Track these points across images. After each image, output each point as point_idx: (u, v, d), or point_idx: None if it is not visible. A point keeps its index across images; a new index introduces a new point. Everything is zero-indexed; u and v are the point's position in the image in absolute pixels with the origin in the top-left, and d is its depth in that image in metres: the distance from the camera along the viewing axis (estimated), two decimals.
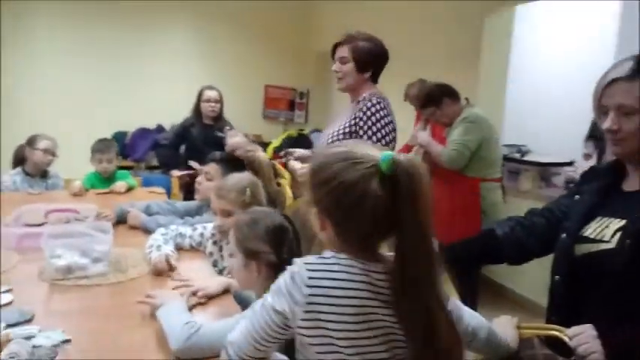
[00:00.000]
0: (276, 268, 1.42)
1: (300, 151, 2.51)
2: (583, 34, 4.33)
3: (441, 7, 4.46)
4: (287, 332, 0.98)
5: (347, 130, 2.22)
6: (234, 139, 3.30)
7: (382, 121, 2.16)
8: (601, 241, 1.23)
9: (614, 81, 1.21)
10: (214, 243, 2.08)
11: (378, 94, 2.25)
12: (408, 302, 0.92)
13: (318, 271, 0.94)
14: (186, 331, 1.28)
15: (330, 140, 2.24)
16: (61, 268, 1.74)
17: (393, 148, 2.08)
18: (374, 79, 2.30)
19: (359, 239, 0.96)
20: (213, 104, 3.83)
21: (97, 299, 1.63)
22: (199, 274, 1.83)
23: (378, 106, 2.18)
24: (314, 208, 0.99)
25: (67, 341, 1.29)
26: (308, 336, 0.95)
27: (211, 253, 2.08)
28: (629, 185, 1.29)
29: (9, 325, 1.35)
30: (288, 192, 2.98)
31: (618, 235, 1.20)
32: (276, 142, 6.37)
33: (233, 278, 1.64)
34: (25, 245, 2.03)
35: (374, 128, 2.16)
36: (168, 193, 3.50)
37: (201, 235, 2.12)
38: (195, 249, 2.10)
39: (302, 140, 6.47)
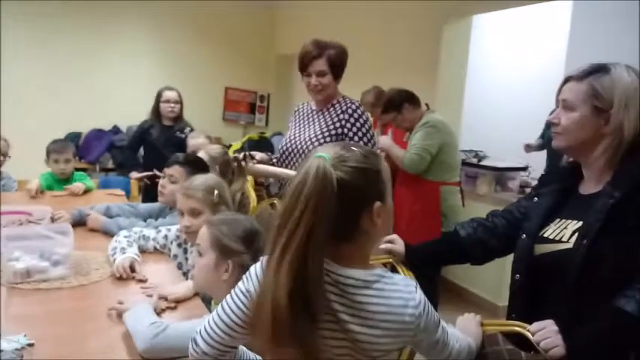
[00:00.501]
0: (245, 271, 1.45)
1: (259, 155, 2.57)
2: (536, 42, 4.52)
3: (400, 15, 4.56)
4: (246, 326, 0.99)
5: (332, 132, 2.29)
6: (196, 141, 3.28)
7: (366, 126, 2.30)
8: (559, 241, 1.30)
9: (568, 79, 1.34)
10: (179, 245, 2.06)
11: (348, 97, 2.37)
12: None
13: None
14: (152, 330, 1.26)
15: (316, 141, 2.28)
16: (20, 272, 1.68)
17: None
18: (338, 81, 2.37)
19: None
20: (172, 105, 3.79)
21: (58, 303, 1.58)
22: (165, 277, 1.81)
23: (360, 110, 2.31)
24: None
25: (30, 345, 1.25)
26: None
27: (176, 256, 2.05)
28: (585, 188, 1.36)
29: None
30: (252, 195, 2.97)
31: (575, 236, 1.27)
32: (236, 145, 6.33)
33: (194, 279, 1.60)
34: None
35: (360, 133, 2.28)
36: (128, 195, 3.42)
37: (165, 237, 2.09)
38: (160, 251, 2.07)
39: (263, 143, 6.45)
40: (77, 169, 3.46)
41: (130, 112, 5.04)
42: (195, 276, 1.52)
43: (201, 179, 1.93)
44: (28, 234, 1.88)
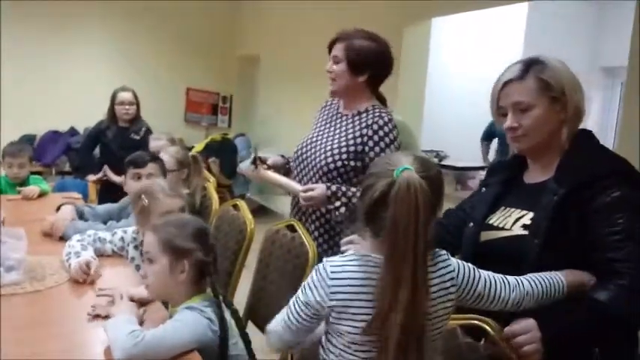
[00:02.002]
0: (203, 268, 1.45)
1: (273, 159, 2.24)
2: (493, 44, 4.65)
3: (361, 17, 4.60)
4: (319, 320, 1.17)
5: (352, 149, 1.95)
6: (157, 143, 3.23)
7: (393, 146, 1.94)
8: (503, 228, 1.36)
9: (507, 83, 1.35)
10: (135, 248, 2.02)
11: (383, 110, 2.01)
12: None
13: (338, 266, 1.12)
14: (130, 340, 1.24)
15: (331, 156, 1.97)
16: None
17: None
18: (373, 86, 2.04)
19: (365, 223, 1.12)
20: (127, 107, 3.73)
21: (12, 310, 1.52)
22: (124, 280, 1.77)
23: (388, 127, 1.95)
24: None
25: None
26: (337, 323, 1.12)
27: (133, 258, 2.02)
28: (530, 177, 1.42)
29: None
30: (214, 196, 2.94)
31: (518, 224, 1.33)
32: (199, 147, 6.25)
33: (148, 289, 1.54)
34: None
35: (388, 151, 1.91)
36: (85, 198, 3.33)
37: (122, 239, 2.05)
38: (118, 254, 2.03)
39: (226, 145, 6.40)
40: (33, 173, 3.35)
41: (87, 114, 4.91)
42: (151, 284, 1.48)
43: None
44: None
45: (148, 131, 3.76)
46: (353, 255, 1.15)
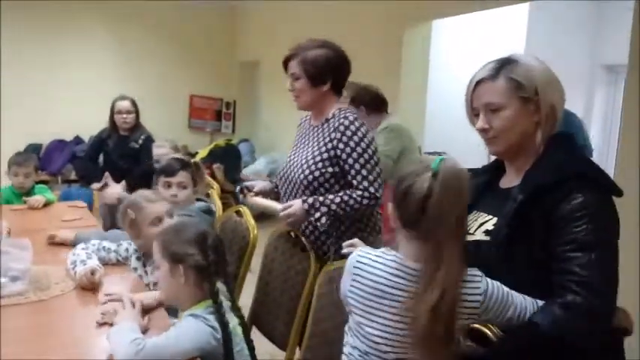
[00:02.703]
0: (202, 272, 1.46)
1: (259, 185, 2.25)
2: (495, 45, 4.64)
3: (362, 20, 4.62)
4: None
5: (325, 156, 1.93)
6: (160, 150, 3.25)
7: (363, 143, 1.90)
8: (467, 233, 1.32)
9: (479, 83, 1.31)
10: (138, 259, 2.04)
11: (347, 110, 2.00)
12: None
13: (364, 257, 1.20)
14: (132, 348, 1.25)
15: (307, 169, 1.95)
16: None
17: (379, 173, 1.93)
18: (336, 90, 2.02)
19: (409, 224, 1.15)
20: (124, 115, 3.76)
21: (18, 319, 1.54)
22: (128, 287, 1.78)
23: (355, 126, 1.91)
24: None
25: None
26: (354, 312, 1.20)
27: (135, 269, 2.03)
28: (504, 182, 1.39)
29: None
30: (218, 203, 2.96)
31: (481, 229, 1.31)
32: (203, 153, 6.28)
33: (160, 293, 1.61)
34: None
35: (357, 151, 1.89)
36: (90, 207, 3.36)
37: (127, 250, 2.07)
38: (122, 263, 2.04)
39: (230, 150, 6.42)
40: (39, 182, 3.38)
41: (92, 122, 4.94)
42: (161, 289, 1.55)
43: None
44: None
45: (148, 139, 3.78)
46: (383, 250, 1.20)
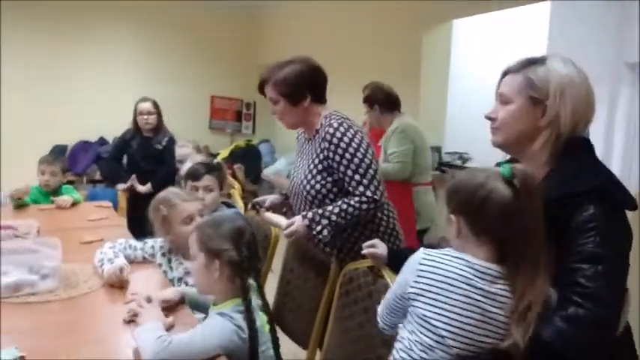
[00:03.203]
0: (236, 268, 1.49)
1: (270, 199, 2.27)
2: (516, 44, 4.60)
3: (382, 21, 4.62)
4: (405, 303, 1.22)
5: (319, 167, 1.94)
6: (183, 150, 3.31)
7: (351, 148, 1.87)
8: None
9: (505, 73, 1.32)
10: (163, 255, 2.08)
11: (333, 116, 1.96)
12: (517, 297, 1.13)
13: (431, 255, 1.19)
14: (158, 345, 1.29)
15: (307, 183, 1.98)
16: (9, 286, 1.68)
17: (373, 173, 1.89)
18: (319, 100, 2.00)
19: (486, 232, 1.16)
20: (146, 116, 3.84)
21: (48, 316, 1.59)
22: (154, 284, 1.82)
23: (340, 131, 1.88)
24: (450, 220, 1.21)
25: (22, 358, 1.27)
26: (418, 306, 1.18)
27: (160, 265, 2.07)
28: None
29: None
30: (240, 202, 3.00)
31: None
32: (224, 153, 6.35)
33: (195, 284, 1.63)
34: None
35: (346, 157, 1.87)
36: (115, 206, 3.43)
37: (152, 247, 2.12)
38: (148, 261, 2.09)
39: (250, 151, 6.48)
40: (66, 183, 3.46)
41: (115, 124, 5.05)
42: (195, 281, 1.58)
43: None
44: (16, 248, 1.89)
45: (171, 140, 3.85)
46: (448, 250, 1.21)
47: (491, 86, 1.41)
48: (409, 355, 1.20)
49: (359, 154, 1.88)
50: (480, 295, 1.13)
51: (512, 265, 1.15)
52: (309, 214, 1.88)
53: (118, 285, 1.80)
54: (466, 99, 4.76)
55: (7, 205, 3.10)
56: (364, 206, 1.87)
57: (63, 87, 6.27)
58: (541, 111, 1.24)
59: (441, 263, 1.17)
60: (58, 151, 5.90)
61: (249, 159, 6.35)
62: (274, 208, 2.23)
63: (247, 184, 5.82)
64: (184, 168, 2.71)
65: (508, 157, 1.46)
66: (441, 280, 1.16)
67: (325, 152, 1.91)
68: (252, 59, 7.36)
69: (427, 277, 1.17)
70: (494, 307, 1.14)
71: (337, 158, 1.88)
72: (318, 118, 1.99)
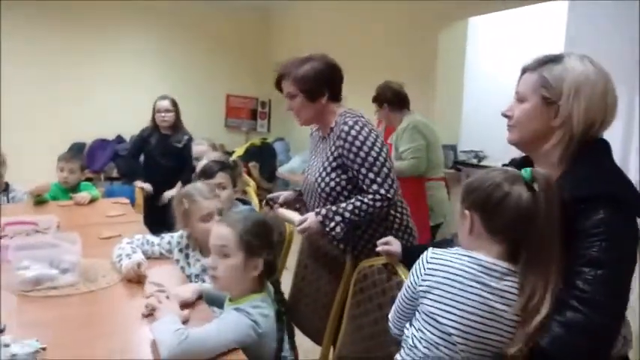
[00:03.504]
0: (270, 266, 1.54)
1: (284, 195, 2.28)
2: (533, 42, 4.56)
3: (397, 19, 4.61)
4: (414, 303, 1.25)
5: (334, 164, 1.95)
6: (199, 148, 3.34)
7: (365, 146, 1.88)
8: None
9: (524, 71, 1.31)
10: (180, 251, 2.11)
11: (348, 114, 1.98)
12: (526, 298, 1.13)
13: (439, 253, 1.22)
14: (176, 338, 1.30)
15: (322, 180, 1.98)
16: (30, 280, 1.72)
17: (387, 171, 1.90)
18: (335, 99, 2.02)
19: (501, 232, 1.17)
20: (163, 114, 3.89)
21: (68, 309, 1.63)
22: (171, 280, 1.85)
23: (355, 129, 1.90)
24: (464, 215, 1.23)
25: (43, 349, 1.30)
26: (425, 303, 1.21)
27: (177, 260, 2.10)
28: None
29: None
30: (255, 200, 3.02)
31: None
32: (239, 151, 6.38)
33: (216, 280, 1.58)
34: None
35: (361, 155, 1.88)
36: (132, 203, 3.47)
37: (169, 243, 2.14)
38: (165, 257, 2.12)
39: (265, 149, 6.51)
40: (85, 180, 3.51)
41: (132, 122, 5.11)
42: (221, 277, 1.52)
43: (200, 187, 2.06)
44: (36, 243, 1.94)
45: (191, 140, 3.89)
46: (456, 249, 1.23)
47: (507, 84, 1.41)
48: (413, 352, 1.21)
49: (373, 153, 1.89)
50: (487, 291, 1.14)
51: (523, 266, 1.15)
52: (323, 211, 1.89)
53: (136, 280, 1.83)
54: (481, 97, 4.74)
55: (27, 202, 3.17)
56: (377, 204, 1.88)
57: (81, 86, 6.37)
58: (554, 111, 1.22)
59: (449, 261, 1.19)
60: (76, 149, 5.99)
61: (265, 157, 6.38)
62: (288, 204, 2.23)
63: (262, 182, 5.85)
64: (200, 165, 2.73)
65: (522, 155, 1.45)
66: (448, 277, 1.17)
67: (340, 150, 1.92)
68: (267, 58, 7.39)
69: (434, 275, 1.19)
70: (502, 303, 1.14)
71: (351, 156, 1.90)
72: (333, 116, 2.01)
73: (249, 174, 5.35)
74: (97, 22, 6.40)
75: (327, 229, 1.88)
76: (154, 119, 3.93)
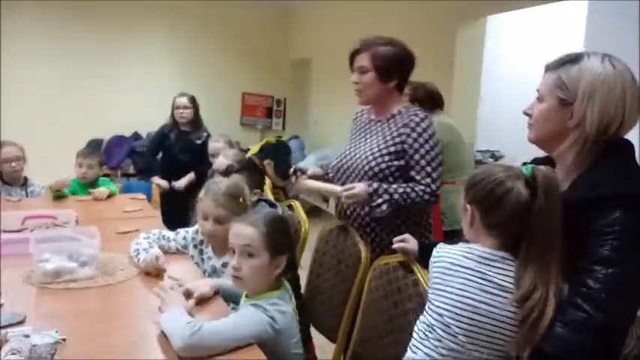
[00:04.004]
0: (292, 265, 1.57)
1: (312, 169, 2.28)
2: (552, 41, 4.51)
3: (415, 17, 4.59)
4: None
5: (392, 149, 1.97)
6: (216, 145, 3.36)
7: (432, 141, 1.95)
8: None
9: (545, 69, 1.30)
10: (194, 247, 2.12)
11: (417, 108, 2.04)
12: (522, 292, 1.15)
13: (441, 249, 1.31)
14: (188, 329, 1.30)
15: (373, 160, 1.99)
16: (50, 272, 1.75)
17: (441, 172, 1.96)
18: (401, 89, 2.06)
19: (497, 227, 1.21)
20: (181, 110, 3.93)
21: (87, 301, 1.65)
22: (187, 275, 1.87)
23: (425, 123, 1.96)
24: (466, 208, 1.27)
25: (63, 340, 1.32)
26: (429, 292, 1.29)
27: (192, 257, 2.11)
28: None
29: (0, 327, 1.37)
30: (270, 197, 3.03)
31: None
32: (254, 149, 6.41)
33: (239, 280, 1.55)
34: (6, 251, 2.03)
35: (423, 150, 1.94)
36: (149, 199, 3.51)
37: (184, 238, 2.16)
38: (181, 252, 2.13)
39: (280, 147, 6.52)
40: (103, 176, 3.55)
41: (149, 119, 5.17)
42: (246, 277, 1.50)
43: (227, 185, 1.97)
44: (56, 236, 1.97)
45: (209, 136, 3.93)
46: (460, 243, 1.28)
47: (524, 83, 1.39)
48: (417, 335, 1.29)
49: (435, 150, 1.96)
50: (479, 277, 1.19)
51: (522, 260, 1.18)
52: (374, 185, 1.91)
53: (154, 273, 1.85)
54: (499, 96, 4.70)
55: (46, 196, 3.22)
56: (426, 197, 1.92)
57: (99, 84, 6.46)
58: (570, 112, 1.21)
59: (446, 252, 1.27)
60: (94, 145, 6.07)
61: (279, 155, 6.39)
62: (315, 178, 2.24)
63: (277, 180, 5.86)
64: (217, 162, 2.75)
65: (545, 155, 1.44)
66: (443, 266, 1.25)
67: (404, 137, 1.96)
68: (283, 56, 7.42)
69: (434, 267, 1.28)
70: (494, 288, 1.18)
71: (416, 146, 1.94)
72: (394, 104, 2.05)
73: (264, 172, 5.36)
74: (116, 21, 6.48)
75: (374, 203, 1.89)
76: (173, 116, 3.97)
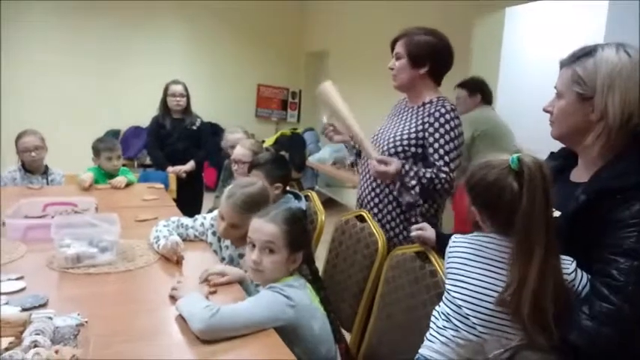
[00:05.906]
0: (308, 258, 1.63)
1: (342, 136, 2.30)
2: (571, 35, 4.44)
3: (432, 9, 4.55)
4: None
5: (412, 136, 2.01)
6: (234, 135, 3.38)
7: (452, 133, 1.97)
8: None
9: (561, 65, 1.30)
10: (213, 234, 2.14)
11: (447, 100, 2.06)
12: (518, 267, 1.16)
13: (454, 239, 1.34)
14: (207, 312, 1.33)
15: (393, 142, 2.05)
16: (71, 257, 1.78)
17: (458, 164, 1.98)
18: (436, 79, 2.10)
19: (501, 224, 1.22)
20: (178, 98, 3.96)
21: (107, 286, 1.68)
22: (206, 263, 1.89)
23: (450, 115, 1.98)
24: (471, 210, 1.30)
25: (85, 322, 1.34)
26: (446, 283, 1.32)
27: (211, 244, 2.13)
28: (575, 175, 1.34)
29: (24, 309, 1.40)
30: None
31: None
32: (269, 141, 6.43)
33: (259, 273, 1.57)
34: (29, 237, 2.08)
35: (445, 138, 1.96)
36: (166, 187, 3.54)
37: (202, 225, 2.18)
38: (199, 239, 2.16)
39: (295, 139, 6.54)
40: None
41: None
42: (268, 272, 1.54)
43: (251, 195, 1.92)
44: (77, 222, 2.00)
45: (204, 123, 4.07)
46: (477, 233, 1.30)
47: (543, 78, 1.38)
48: (435, 324, 1.30)
49: (456, 142, 1.98)
50: (489, 264, 1.23)
51: (513, 250, 1.18)
52: (407, 166, 1.94)
53: (174, 259, 1.88)
54: (517, 90, 4.65)
55: (65, 184, 3.26)
56: (446, 185, 1.95)
57: (117, 75, 6.52)
58: (591, 106, 1.20)
59: (460, 242, 1.31)
60: (111, 135, 6.13)
61: (294, 147, 6.41)
62: (343, 142, 2.36)
63: (292, 172, 5.88)
64: (235, 153, 2.77)
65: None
66: (462, 257, 1.28)
67: (426, 126, 2.00)
68: (298, 48, 7.40)
69: (452, 257, 1.31)
70: (500, 274, 1.20)
71: (437, 135, 1.98)
72: (428, 93, 2.09)
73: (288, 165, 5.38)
74: (133, 13, 6.53)
75: (408, 183, 1.92)
76: (165, 103, 3.98)
